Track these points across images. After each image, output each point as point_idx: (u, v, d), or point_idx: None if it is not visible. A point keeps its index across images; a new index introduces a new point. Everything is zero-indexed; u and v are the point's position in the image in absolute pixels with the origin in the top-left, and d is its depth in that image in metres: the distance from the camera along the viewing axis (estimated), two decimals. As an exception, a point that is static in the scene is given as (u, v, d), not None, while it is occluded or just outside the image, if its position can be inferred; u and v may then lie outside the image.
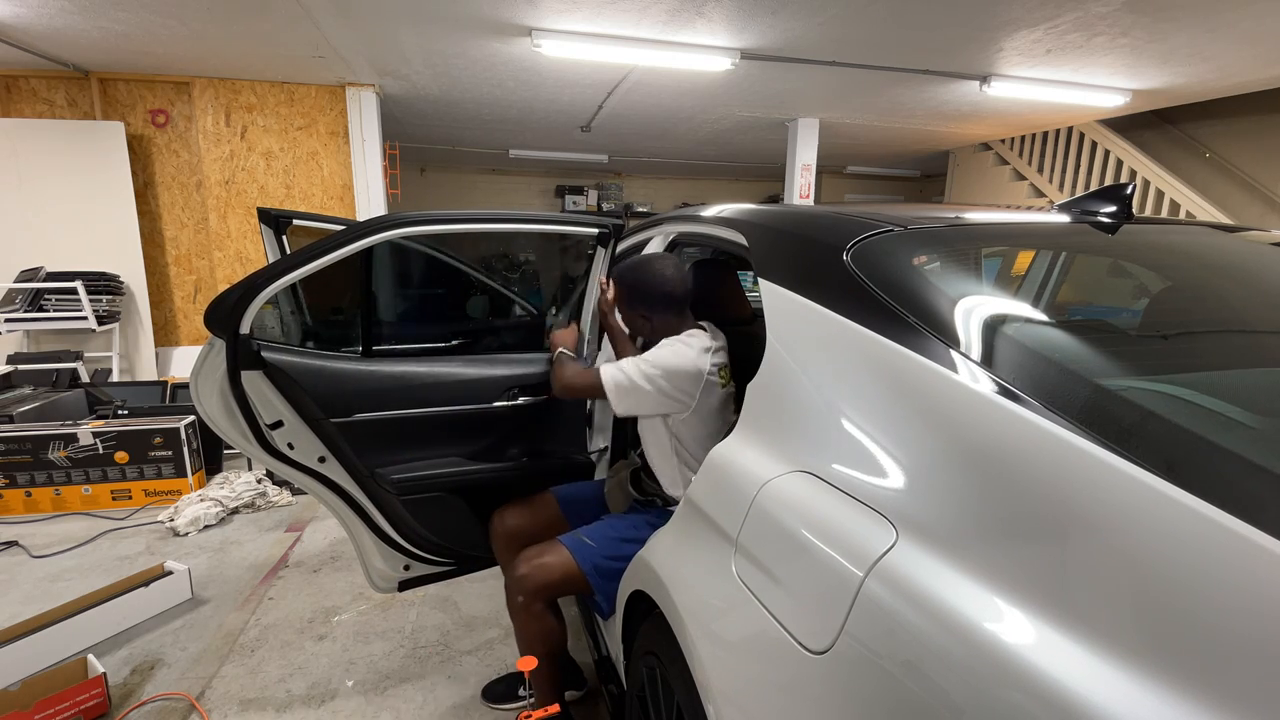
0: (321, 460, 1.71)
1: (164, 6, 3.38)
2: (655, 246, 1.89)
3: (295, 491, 3.44)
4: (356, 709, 1.87)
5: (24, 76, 4.55)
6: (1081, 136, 6.35)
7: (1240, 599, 0.49)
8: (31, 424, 3.30)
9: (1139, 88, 4.81)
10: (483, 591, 2.49)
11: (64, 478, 3.22)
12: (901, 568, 0.69)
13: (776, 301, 1.10)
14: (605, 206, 8.93)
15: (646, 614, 1.24)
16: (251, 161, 4.78)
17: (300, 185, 4.87)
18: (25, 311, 4.32)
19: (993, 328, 0.91)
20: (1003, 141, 7.25)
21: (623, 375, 1.48)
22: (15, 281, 4.37)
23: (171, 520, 3.04)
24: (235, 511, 3.24)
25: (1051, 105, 5.29)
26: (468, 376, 1.78)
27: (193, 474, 3.38)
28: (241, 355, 1.50)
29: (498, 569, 1.95)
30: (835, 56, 4.15)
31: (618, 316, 1.73)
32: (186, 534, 3.00)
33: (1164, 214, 5.68)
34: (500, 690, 1.91)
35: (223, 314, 1.45)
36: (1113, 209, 1.31)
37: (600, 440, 2.09)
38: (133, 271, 4.72)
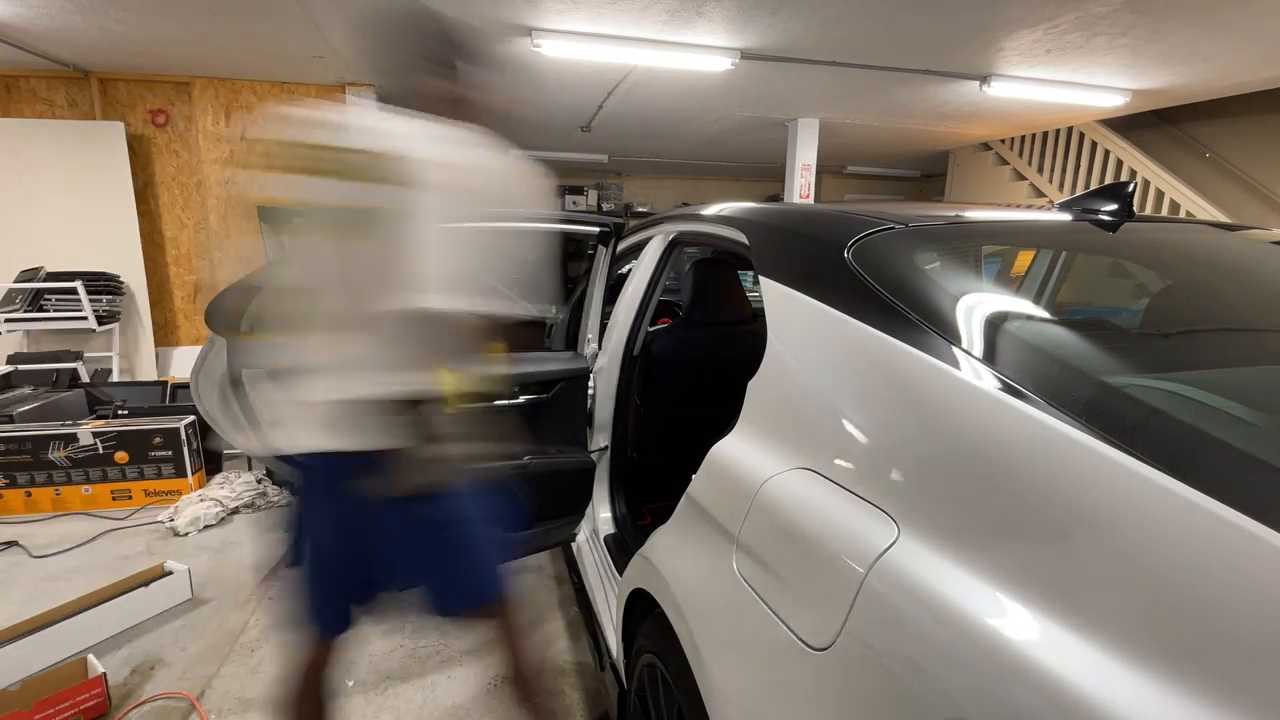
0: None
1: (164, 6, 3.38)
2: (655, 246, 1.89)
3: (296, 491, 3.43)
4: (356, 709, 1.87)
5: (24, 76, 4.55)
6: (1081, 136, 6.35)
7: (1246, 594, 0.49)
8: (31, 424, 3.29)
9: (1139, 88, 4.81)
10: (483, 591, 2.48)
11: (64, 478, 3.21)
12: (903, 564, 0.69)
13: (777, 299, 1.09)
14: (605, 206, 8.93)
15: (646, 613, 1.24)
16: (252, 161, 4.78)
17: (300, 185, 4.89)
18: (25, 311, 4.33)
19: (995, 324, 0.91)
20: (1003, 141, 7.25)
21: None
22: (15, 281, 4.37)
23: (171, 520, 3.04)
24: (235, 511, 3.24)
25: (1051, 105, 5.29)
26: None
27: (193, 474, 3.37)
28: None
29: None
30: (835, 56, 4.15)
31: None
32: (186, 534, 3.00)
33: (1164, 214, 5.68)
34: None
35: (224, 311, 1.45)
36: (1114, 207, 1.31)
37: (601, 439, 2.09)
38: (133, 271, 4.73)
